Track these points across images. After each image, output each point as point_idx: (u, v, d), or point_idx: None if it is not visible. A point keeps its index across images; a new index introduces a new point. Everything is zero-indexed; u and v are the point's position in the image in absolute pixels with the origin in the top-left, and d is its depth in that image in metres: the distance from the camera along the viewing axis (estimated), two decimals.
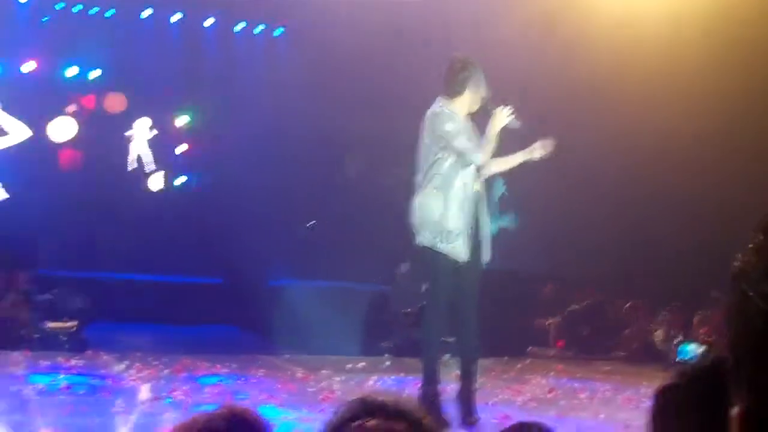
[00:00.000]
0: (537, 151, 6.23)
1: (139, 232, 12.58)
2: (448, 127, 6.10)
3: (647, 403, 6.26)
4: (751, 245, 1.44)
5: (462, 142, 6.08)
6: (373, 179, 13.90)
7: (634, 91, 11.17)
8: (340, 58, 12.68)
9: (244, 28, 14.40)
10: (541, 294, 11.48)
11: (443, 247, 6.03)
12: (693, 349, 2.71)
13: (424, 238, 6.09)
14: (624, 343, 10.24)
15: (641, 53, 10.94)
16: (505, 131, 6.27)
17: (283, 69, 14.17)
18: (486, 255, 6.21)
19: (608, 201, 12.27)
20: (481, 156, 6.11)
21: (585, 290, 11.02)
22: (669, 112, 11.26)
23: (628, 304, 10.31)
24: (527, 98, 8.73)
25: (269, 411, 6.12)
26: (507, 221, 8.58)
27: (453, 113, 6.18)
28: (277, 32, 14.58)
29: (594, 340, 10.17)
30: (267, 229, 13.10)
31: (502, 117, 6.19)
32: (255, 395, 6.60)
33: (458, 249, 6.04)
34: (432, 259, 6.09)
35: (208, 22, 14.20)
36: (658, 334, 9.91)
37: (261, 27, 14.47)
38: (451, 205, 6.06)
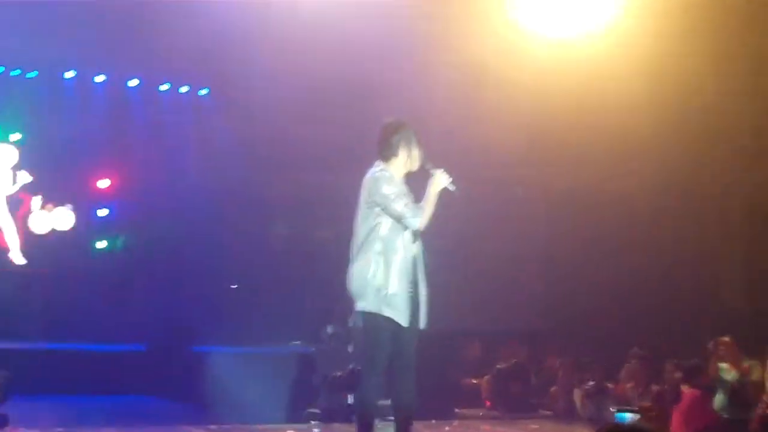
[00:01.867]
0: (440, 178, 6.26)
1: (58, 299, 12.31)
2: (386, 190, 6.13)
3: None
4: None
5: (399, 206, 6.11)
6: (298, 241, 13.88)
7: (568, 146, 11.34)
8: (267, 118, 12.70)
9: (169, 88, 14.37)
10: (468, 353, 11.53)
11: (387, 311, 6.05)
12: (629, 419, 2.76)
13: (367, 304, 6.08)
14: (550, 402, 10.31)
15: (572, 100, 11.08)
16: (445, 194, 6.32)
17: (209, 129, 14.13)
18: (424, 318, 6.24)
19: (534, 256, 12.45)
20: (419, 221, 6.14)
21: (512, 347, 11.08)
22: (604, 165, 11.48)
23: (557, 362, 10.39)
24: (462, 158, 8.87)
25: None
26: None
27: (392, 176, 6.22)
28: (202, 92, 14.57)
29: (521, 398, 10.20)
30: (190, 293, 12.95)
31: (441, 179, 6.25)
32: None
33: (401, 313, 6.07)
34: (374, 324, 6.09)
35: (133, 83, 14.14)
36: (577, 393, 10.00)
37: (186, 88, 14.45)
38: (393, 270, 6.07)
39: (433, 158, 6.48)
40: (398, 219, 6.11)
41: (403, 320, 6.10)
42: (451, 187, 6.31)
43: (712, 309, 11.87)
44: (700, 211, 11.86)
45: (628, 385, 9.86)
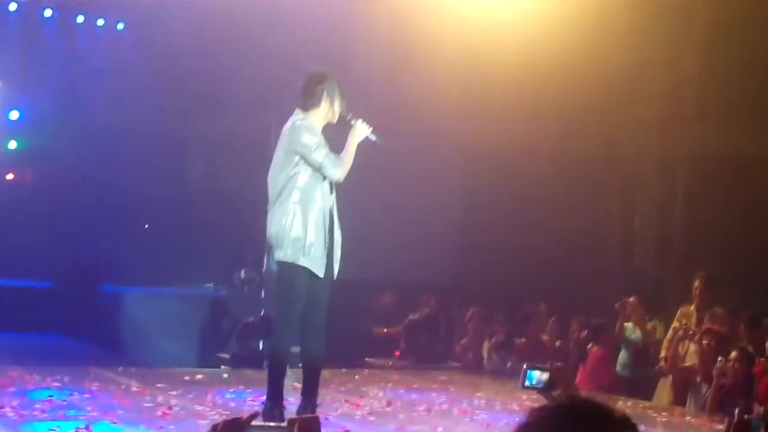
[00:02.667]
0: (360, 128, 6.25)
1: None
2: (306, 140, 6.11)
3: (481, 416, 6.38)
4: None
5: (320, 156, 6.10)
6: (213, 182, 13.73)
7: (481, 101, 11.39)
8: (186, 56, 12.45)
9: (84, 20, 13.97)
10: (380, 303, 11.61)
11: (304, 261, 6.06)
12: (538, 376, 2.81)
13: (284, 254, 6.08)
14: (459, 353, 10.46)
15: (496, 59, 11.11)
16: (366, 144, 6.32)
17: (125, 64, 13.81)
18: (336, 268, 6.30)
19: (447, 208, 12.53)
20: (339, 171, 6.15)
21: (424, 299, 11.19)
22: (511, 122, 11.58)
23: (468, 313, 10.53)
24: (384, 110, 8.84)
25: (105, 428, 5.94)
26: None
27: (312, 126, 6.20)
28: (120, 26, 14.20)
29: (431, 349, 10.33)
30: (101, 231, 12.72)
31: (362, 130, 6.26)
32: (89, 411, 6.38)
33: (318, 263, 6.10)
34: (291, 273, 6.11)
35: (47, 13, 13.71)
36: (493, 345, 10.18)
37: (101, 21, 14.07)
38: (310, 220, 6.08)
39: (356, 108, 6.48)
40: (318, 169, 6.11)
41: (319, 270, 6.15)
42: (373, 137, 6.33)
43: (621, 269, 12.17)
44: (614, 171, 12.10)
45: (534, 341, 10.06)
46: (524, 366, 2.85)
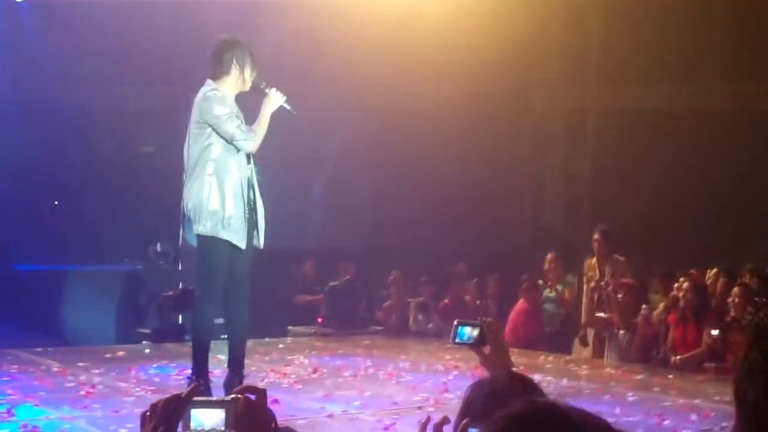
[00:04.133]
0: (274, 97, 6.17)
1: None
2: (217, 110, 5.97)
3: (407, 378, 6.44)
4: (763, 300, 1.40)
5: (232, 127, 5.96)
6: (124, 155, 13.48)
7: (391, 64, 11.39)
8: (88, 29, 12.14)
9: None
10: (301, 271, 11.60)
11: (224, 234, 5.97)
12: (469, 332, 2.84)
13: (203, 227, 5.97)
14: (382, 317, 10.54)
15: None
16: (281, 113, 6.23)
17: (25, 38, 13.39)
18: (262, 239, 6.20)
19: (362, 172, 12.56)
20: (251, 143, 6.02)
21: (344, 265, 11.22)
22: (421, 84, 11.64)
23: (390, 277, 10.60)
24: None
25: (28, 411, 5.83)
26: None
27: (223, 96, 6.06)
28: None
29: (353, 315, 10.38)
30: (9, 209, 12.38)
31: (276, 98, 6.15)
32: (10, 394, 6.25)
33: (238, 235, 6.01)
34: (212, 246, 6.01)
35: None
36: (414, 307, 10.28)
37: None
38: (227, 192, 5.97)
39: (268, 76, 6.37)
40: (230, 140, 5.99)
41: (240, 242, 6.06)
42: (287, 106, 6.24)
43: (531, 227, 12.40)
44: (523, 128, 12.28)
45: (456, 300, 10.19)
46: (455, 323, 2.88)
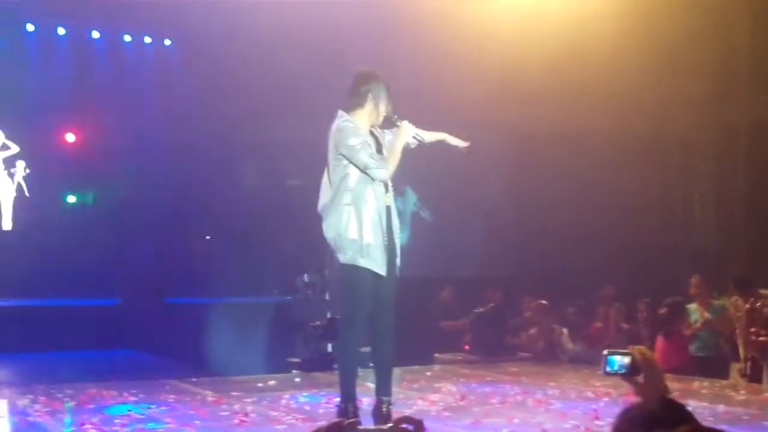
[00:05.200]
0: (406, 129, 6.20)
1: (32, 256, 12.22)
2: (352, 141, 6.09)
3: (557, 405, 6.31)
4: None
5: (365, 157, 6.06)
6: (269, 191, 13.82)
7: (538, 89, 11.33)
8: (232, 67, 12.57)
9: (132, 39, 14.18)
10: (440, 298, 11.61)
11: (364, 262, 6.06)
12: (619, 361, 2.74)
13: (345, 256, 6.10)
14: (529, 343, 10.42)
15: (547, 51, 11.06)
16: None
17: (175, 78, 13.98)
18: (398, 265, 6.28)
19: (503, 199, 12.50)
20: (383, 172, 6.10)
21: (490, 293, 11.17)
22: (560, 107, 11.50)
23: (533, 304, 10.48)
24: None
25: None
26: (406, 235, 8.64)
27: (356, 127, 6.17)
28: (166, 42, 14.39)
29: (499, 341, 10.30)
30: (164, 246, 12.89)
31: (408, 131, 6.22)
32: (168, 423, 6.46)
33: (378, 263, 6.09)
34: (353, 275, 6.11)
35: (95, 35, 13.94)
36: (565, 334, 10.11)
37: (148, 39, 14.26)
38: (365, 221, 6.07)
39: (403, 109, 6.43)
40: (364, 169, 6.07)
41: (381, 270, 6.12)
42: (418, 139, 6.26)
43: (682, 249, 12.02)
44: (669, 151, 11.96)
45: (605, 326, 9.99)
46: (604, 352, 2.80)
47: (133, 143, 13.55)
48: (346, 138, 6.09)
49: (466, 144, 6.36)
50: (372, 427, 1.94)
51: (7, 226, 13.34)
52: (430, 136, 6.35)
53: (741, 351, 8.72)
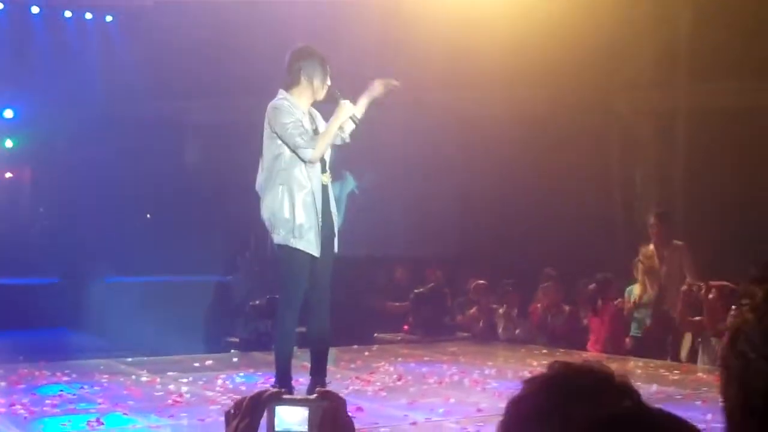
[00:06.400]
0: (344, 108, 6.13)
1: None
2: (284, 119, 6.03)
3: (493, 385, 6.33)
4: (745, 302, 1.35)
5: (295, 137, 5.99)
6: (211, 168, 13.69)
7: (484, 71, 11.32)
8: (174, 45, 12.39)
9: (72, 15, 13.92)
10: (391, 278, 11.60)
11: (297, 242, 6.01)
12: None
13: (278, 236, 6.06)
14: (469, 324, 10.45)
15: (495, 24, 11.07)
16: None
17: (116, 55, 13.76)
18: (335, 246, 6.25)
19: (447, 180, 12.50)
20: (311, 152, 6.01)
21: (431, 272, 11.18)
22: (502, 90, 11.53)
23: (473, 284, 10.50)
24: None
25: (116, 420, 5.93)
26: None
27: (292, 105, 6.11)
28: (108, 18, 14.15)
29: (439, 322, 10.32)
30: (103, 224, 12.71)
31: (345, 110, 6.16)
32: (100, 404, 6.37)
33: (311, 244, 6.04)
34: (287, 255, 6.07)
35: (35, 10, 13.65)
36: (500, 313, 10.16)
37: (89, 15, 14.02)
38: (297, 201, 6.01)
39: (345, 86, 6.35)
40: (293, 149, 6.01)
41: (314, 251, 6.09)
42: (354, 120, 6.19)
43: (620, 228, 12.13)
44: (610, 134, 12.05)
45: (545, 305, 10.04)
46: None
47: (74, 120, 13.33)
48: (279, 116, 6.04)
49: (395, 82, 6.28)
50: (298, 396, 1.88)
51: None
52: (361, 109, 6.27)
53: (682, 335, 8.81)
